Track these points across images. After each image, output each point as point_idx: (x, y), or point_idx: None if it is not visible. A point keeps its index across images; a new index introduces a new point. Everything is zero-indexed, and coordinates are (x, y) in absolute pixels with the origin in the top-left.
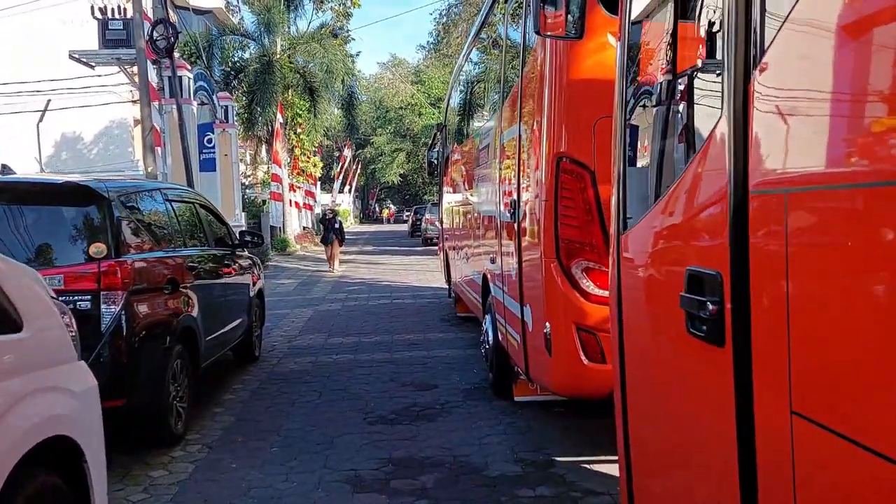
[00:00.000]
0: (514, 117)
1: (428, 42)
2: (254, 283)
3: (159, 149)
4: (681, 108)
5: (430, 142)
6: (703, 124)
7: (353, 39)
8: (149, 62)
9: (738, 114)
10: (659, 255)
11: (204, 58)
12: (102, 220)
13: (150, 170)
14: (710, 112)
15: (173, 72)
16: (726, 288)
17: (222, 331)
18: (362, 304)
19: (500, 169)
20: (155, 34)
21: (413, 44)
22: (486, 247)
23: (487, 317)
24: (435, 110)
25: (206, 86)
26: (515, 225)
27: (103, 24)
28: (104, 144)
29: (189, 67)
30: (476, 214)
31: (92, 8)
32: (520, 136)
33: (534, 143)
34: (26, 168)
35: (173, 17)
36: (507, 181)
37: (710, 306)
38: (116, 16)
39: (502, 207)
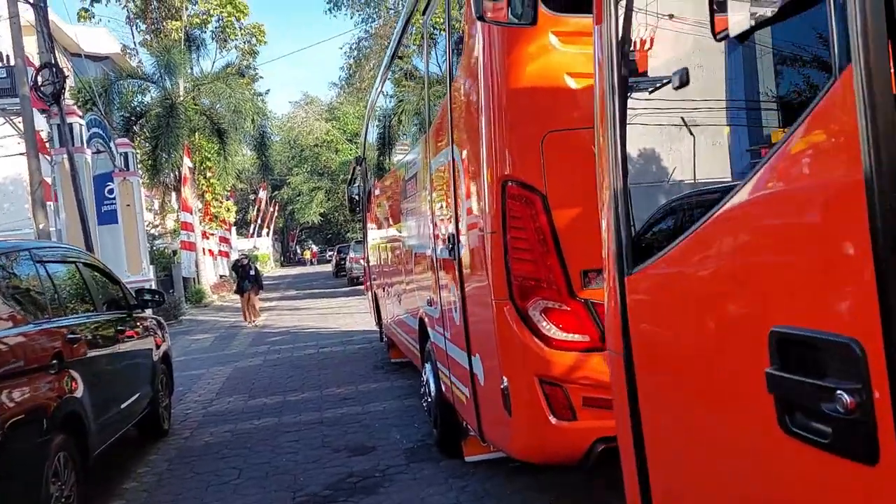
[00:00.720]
0: (445, 140)
1: (340, 78)
2: (157, 347)
3: (51, 203)
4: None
5: (348, 177)
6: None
7: (261, 77)
8: (36, 111)
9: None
10: (709, 302)
11: (100, 104)
12: None
13: (41, 227)
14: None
15: (62, 119)
16: (876, 367)
17: (120, 408)
18: (286, 357)
19: (433, 200)
20: (40, 79)
21: (325, 82)
22: (420, 287)
23: (427, 366)
24: (352, 146)
25: (101, 133)
26: (456, 263)
27: None
28: (7, 206)
29: (80, 114)
30: (406, 251)
31: None
32: (453, 160)
33: (471, 167)
34: None
35: (66, 63)
36: (441, 213)
37: (845, 398)
38: (2, 64)
39: (438, 243)
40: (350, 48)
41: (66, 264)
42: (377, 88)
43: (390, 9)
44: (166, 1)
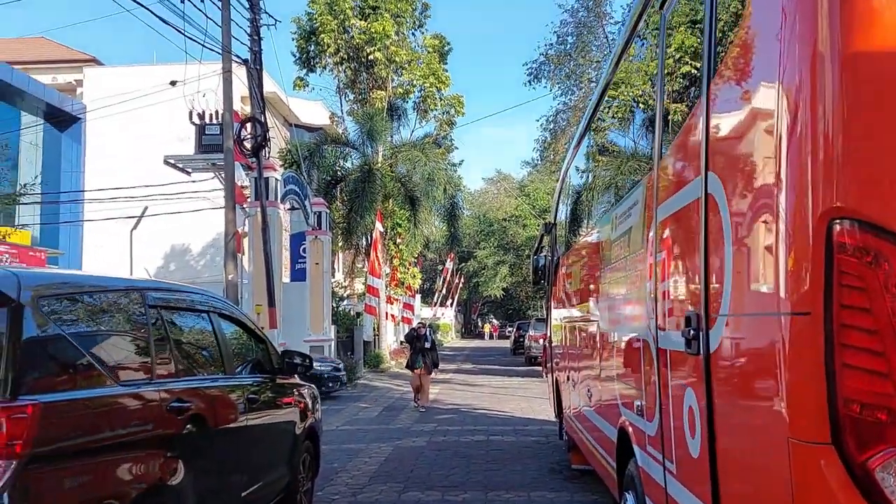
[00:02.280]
0: (692, 168)
1: (533, 149)
2: (303, 420)
3: (241, 255)
4: None
5: (534, 245)
6: None
7: (457, 148)
8: (239, 165)
9: None
10: None
11: (303, 166)
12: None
13: (230, 277)
14: None
15: (259, 172)
16: None
17: (240, 497)
18: (452, 441)
19: (657, 262)
20: (243, 133)
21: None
22: (622, 384)
23: (630, 497)
24: (539, 221)
25: (297, 190)
26: (701, 360)
27: (200, 130)
28: (211, 256)
29: (277, 169)
30: (602, 333)
31: (190, 113)
32: (705, 197)
33: (751, 201)
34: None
35: (282, 130)
36: (673, 280)
37: None
38: (215, 121)
39: (663, 326)
40: (546, 120)
41: (192, 313)
42: (581, 127)
43: (592, 81)
44: (374, 72)
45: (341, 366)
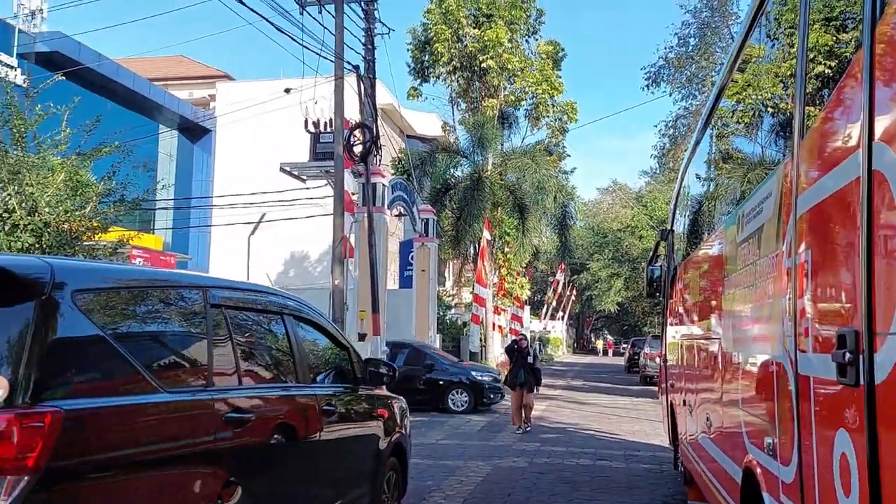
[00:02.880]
0: (850, 136)
1: (650, 167)
2: (388, 435)
3: (350, 260)
4: None
5: (650, 255)
6: None
7: (569, 156)
8: (349, 172)
9: None
10: None
11: (414, 174)
12: (22, 333)
13: (336, 282)
14: None
15: (367, 178)
16: None
17: None
18: (556, 464)
19: (797, 265)
20: (352, 139)
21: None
22: (751, 417)
23: None
24: (656, 232)
25: (404, 196)
26: (863, 392)
27: (315, 138)
28: (328, 262)
29: (385, 175)
30: (727, 355)
31: (305, 122)
32: (869, 173)
33: None
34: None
35: (399, 142)
36: (819, 288)
37: None
38: (329, 129)
39: (807, 346)
40: (665, 126)
41: (262, 315)
42: (703, 118)
43: (714, 85)
44: (486, 80)
45: (499, 376)
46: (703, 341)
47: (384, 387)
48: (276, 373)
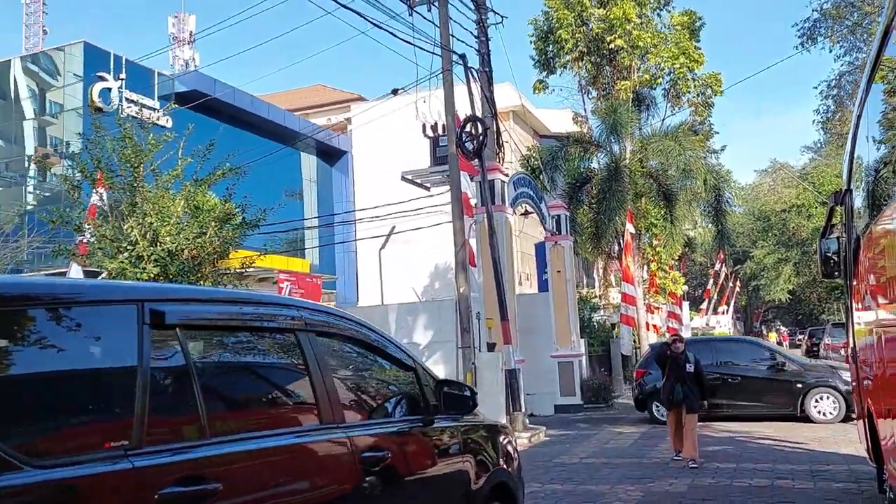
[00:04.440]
0: None
1: (814, 142)
2: (481, 475)
3: (473, 267)
4: None
5: (823, 227)
6: None
7: (717, 133)
8: (467, 175)
9: None
10: None
11: (545, 171)
12: None
13: (461, 290)
14: None
15: (483, 175)
16: None
17: None
18: (723, 486)
19: None
20: (463, 135)
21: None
22: None
23: None
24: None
25: (530, 192)
26: None
27: (434, 142)
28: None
29: (503, 170)
30: None
31: (423, 126)
32: None
33: None
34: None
35: (534, 142)
36: None
37: None
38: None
39: None
40: (828, 86)
41: (258, 334)
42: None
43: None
44: (617, 61)
45: None
46: None
47: (474, 412)
48: (278, 414)
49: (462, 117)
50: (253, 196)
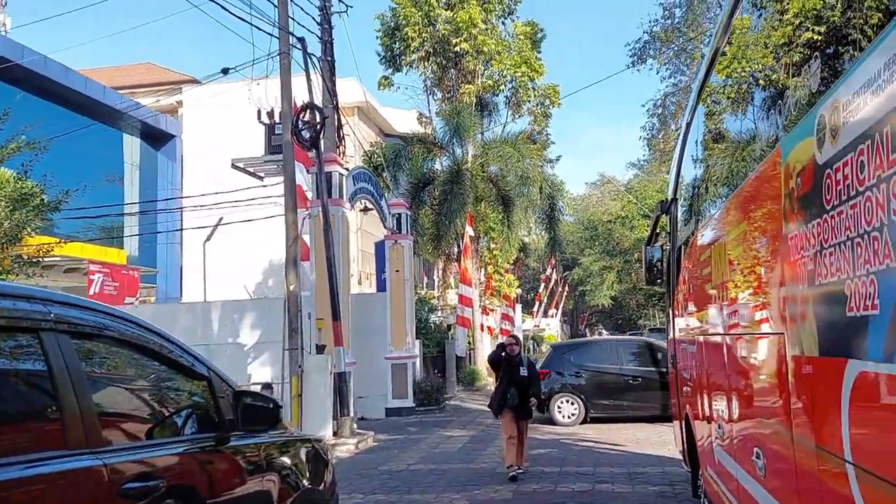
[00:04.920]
0: None
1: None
2: (286, 497)
3: (305, 263)
4: None
5: (648, 234)
6: None
7: (553, 143)
8: (303, 167)
9: None
10: None
11: (388, 170)
12: None
13: (291, 288)
14: None
15: (319, 167)
16: None
17: None
18: (546, 492)
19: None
20: (300, 123)
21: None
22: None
23: None
24: (648, 222)
25: (370, 188)
26: None
27: (269, 129)
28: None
29: (342, 163)
30: (781, 355)
31: (259, 112)
32: None
33: None
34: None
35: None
36: None
37: None
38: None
39: None
40: (654, 105)
41: (6, 336)
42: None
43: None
44: (462, 65)
45: None
46: (736, 336)
47: (278, 426)
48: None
49: (300, 105)
50: (65, 179)
